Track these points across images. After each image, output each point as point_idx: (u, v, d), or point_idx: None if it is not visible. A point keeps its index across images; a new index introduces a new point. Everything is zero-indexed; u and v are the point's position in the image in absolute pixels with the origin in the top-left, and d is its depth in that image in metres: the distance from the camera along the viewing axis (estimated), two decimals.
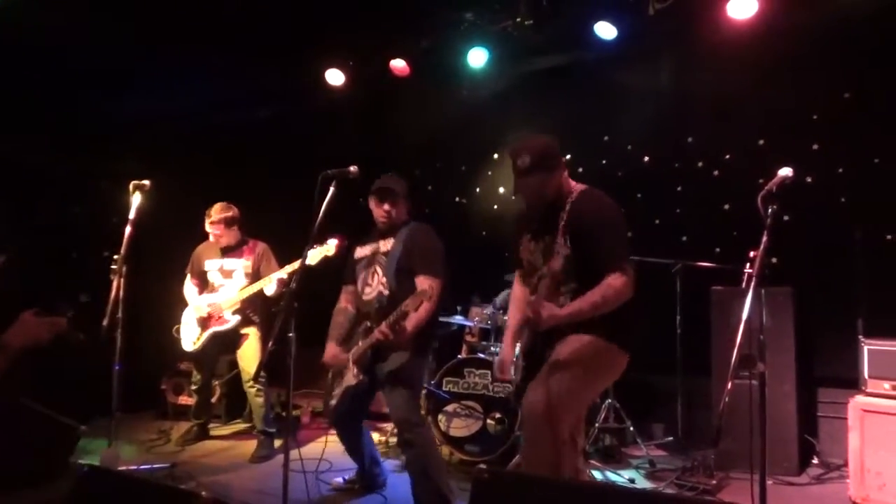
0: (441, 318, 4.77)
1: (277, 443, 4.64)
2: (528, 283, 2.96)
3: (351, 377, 3.33)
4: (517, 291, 3.10)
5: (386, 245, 3.53)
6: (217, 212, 4.69)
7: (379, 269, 3.49)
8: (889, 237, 4.38)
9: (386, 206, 3.50)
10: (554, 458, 2.59)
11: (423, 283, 3.29)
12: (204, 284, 4.81)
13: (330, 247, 3.98)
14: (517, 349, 2.87)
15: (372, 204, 3.55)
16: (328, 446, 3.84)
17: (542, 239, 2.84)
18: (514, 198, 3.05)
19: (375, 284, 3.48)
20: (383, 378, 3.36)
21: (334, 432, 3.71)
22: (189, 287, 4.85)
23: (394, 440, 4.55)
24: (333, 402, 3.43)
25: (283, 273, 4.41)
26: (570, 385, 2.62)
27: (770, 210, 2.61)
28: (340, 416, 3.55)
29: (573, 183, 2.89)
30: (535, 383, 2.67)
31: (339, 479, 3.88)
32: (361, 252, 3.65)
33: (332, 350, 3.51)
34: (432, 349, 4.06)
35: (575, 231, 2.68)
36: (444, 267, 3.45)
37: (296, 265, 4.32)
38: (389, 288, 3.39)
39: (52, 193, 6.21)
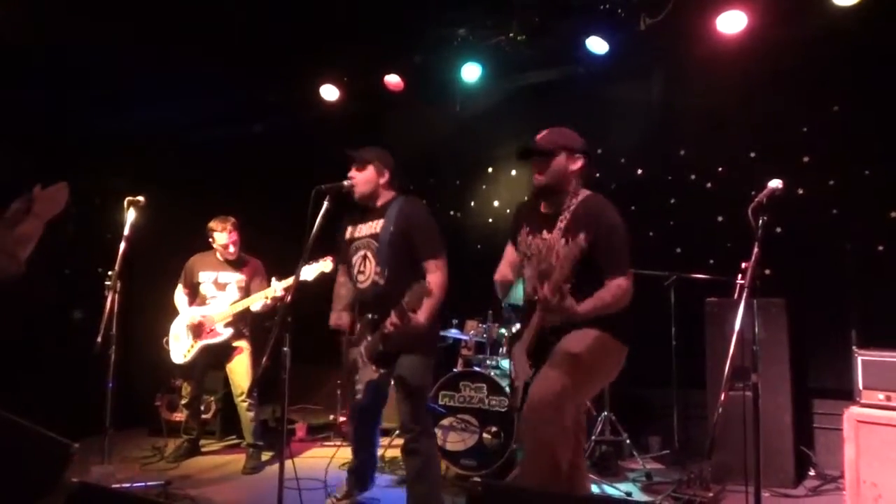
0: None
1: (266, 455, 4.70)
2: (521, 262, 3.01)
3: (371, 372, 3.29)
4: (511, 255, 3.12)
5: (375, 227, 3.39)
6: (230, 224, 4.68)
7: (370, 256, 3.37)
8: (880, 248, 4.41)
9: (351, 173, 3.40)
10: (554, 446, 2.60)
11: (429, 267, 3.25)
12: (195, 296, 4.80)
13: (327, 262, 3.97)
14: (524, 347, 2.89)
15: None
16: (322, 462, 3.80)
17: (539, 235, 2.88)
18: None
19: (369, 273, 3.36)
20: (395, 380, 3.33)
21: (332, 443, 3.67)
22: (180, 296, 4.83)
23: (391, 454, 4.53)
24: (359, 395, 3.38)
25: (280, 289, 4.39)
26: (576, 377, 2.65)
27: (761, 221, 2.64)
28: (363, 410, 3.54)
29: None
30: (542, 374, 2.69)
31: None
32: (351, 233, 3.51)
33: (336, 315, 3.48)
34: (438, 349, 3.94)
35: (577, 232, 2.65)
36: (442, 237, 3.38)
37: (290, 280, 4.31)
38: (384, 276, 3.30)
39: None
